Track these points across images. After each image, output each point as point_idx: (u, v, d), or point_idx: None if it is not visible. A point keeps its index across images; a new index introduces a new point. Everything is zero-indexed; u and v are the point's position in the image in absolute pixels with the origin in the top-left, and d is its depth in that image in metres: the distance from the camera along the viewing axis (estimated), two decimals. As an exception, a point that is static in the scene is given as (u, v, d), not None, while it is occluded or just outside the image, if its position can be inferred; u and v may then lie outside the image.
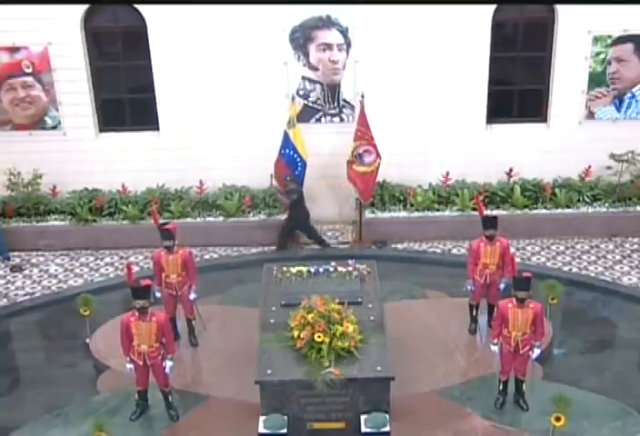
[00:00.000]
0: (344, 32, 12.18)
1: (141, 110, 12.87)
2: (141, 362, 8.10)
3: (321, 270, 9.44)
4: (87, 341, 9.74)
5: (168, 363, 8.18)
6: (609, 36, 12.20)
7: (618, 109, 12.67)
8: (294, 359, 8.05)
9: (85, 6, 12.05)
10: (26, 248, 12.52)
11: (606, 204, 12.68)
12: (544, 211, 12.64)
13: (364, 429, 7.82)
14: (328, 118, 12.71)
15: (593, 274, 11.51)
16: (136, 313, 7.95)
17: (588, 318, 10.46)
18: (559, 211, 12.63)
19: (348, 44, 12.27)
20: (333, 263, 9.59)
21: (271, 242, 12.31)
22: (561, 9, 12.12)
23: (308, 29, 12.16)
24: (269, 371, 7.90)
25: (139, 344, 8.03)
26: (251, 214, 12.66)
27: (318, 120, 12.71)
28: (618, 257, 12.02)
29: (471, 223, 11.30)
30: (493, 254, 9.25)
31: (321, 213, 13.07)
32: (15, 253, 12.45)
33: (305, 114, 12.57)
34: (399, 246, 12.49)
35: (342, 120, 12.69)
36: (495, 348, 8.39)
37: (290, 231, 12.16)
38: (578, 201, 12.70)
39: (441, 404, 8.48)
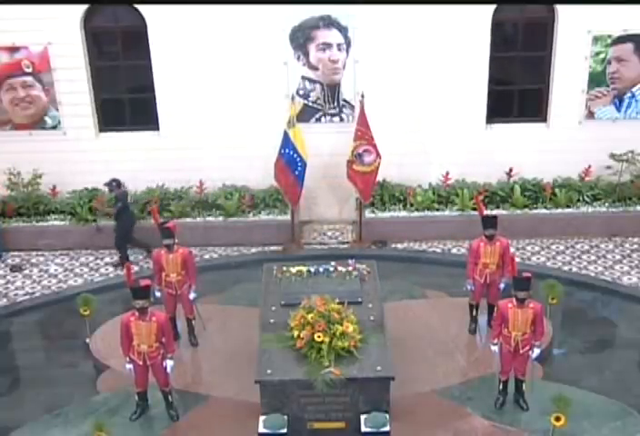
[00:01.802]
0: (344, 32, 12.18)
1: (141, 110, 12.87)
2: (141, 362, 8.10)
3: (321, 270, 9.43)
4: (87, 341, 9.73)
5: (169, 363, 8.17)
6: (609, 36, 12.20)
7: (618, 109, 12.67)
8: (294, 359, 8.05)
9: (84, 6, 12.05)
10: (26, 248, 12.52)
11: (606, 204, 12.68)
12: (544, 211, 12.64)
13: (364, 429, 7.82)
14: (328, 118, 12.70)
15: (593, 274, 11.50)
16: (136, 313, 7.95)
17: (588, 318, 10.46)
18: (559, 211, 12.62)
19: (348, 44, 12.26)
20: (333, 263, 9.57)
21: (271, 242, 12.31)
22: (561, 9, 12.12)
23: (308, 29, 12.16)
24: (269, 371, 7.90)
25: (139, 344, 8.02)
26: (251, 214, 12.67)
27: (318, 120, 12.71)
28: (618, 257, 12.02)
29: (471, 223, 11.30)
30: (493, 254, 9.25)
31: (321, 213, 13.10)
32: (15, 253, 12.45)
33: (305, 114, 12.57)
34: (399, 246, 12.48)
35: (342, 120, 12.68)
36: (494, 348, 8.39)
37: (127, 238, 11.94)
38: (578, 201, 12.69)
39: (441, 404, 8.47)
